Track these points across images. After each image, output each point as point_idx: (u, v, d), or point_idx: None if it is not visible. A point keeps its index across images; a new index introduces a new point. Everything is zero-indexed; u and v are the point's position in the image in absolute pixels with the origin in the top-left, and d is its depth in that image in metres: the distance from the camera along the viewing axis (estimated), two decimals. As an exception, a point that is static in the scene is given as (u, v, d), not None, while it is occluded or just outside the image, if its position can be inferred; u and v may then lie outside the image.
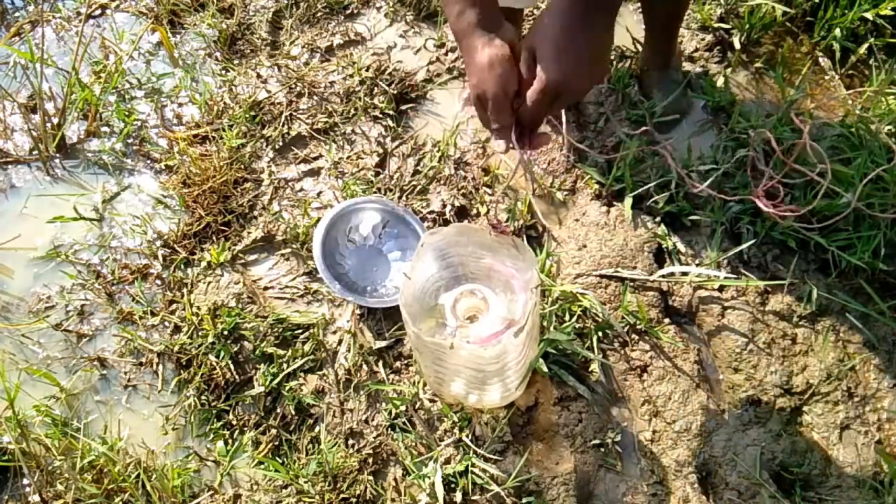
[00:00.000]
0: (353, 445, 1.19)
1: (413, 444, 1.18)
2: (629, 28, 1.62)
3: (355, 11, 1.74)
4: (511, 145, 0.84)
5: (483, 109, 0.84)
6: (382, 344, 1.27)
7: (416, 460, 1.16)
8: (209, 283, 1.36)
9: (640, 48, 1.58)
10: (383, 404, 1.22)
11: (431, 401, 1.21)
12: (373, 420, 1.22)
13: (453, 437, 1.18)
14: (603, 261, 1.32)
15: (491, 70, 0.80)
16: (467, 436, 1.17)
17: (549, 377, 1.21)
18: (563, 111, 0.88)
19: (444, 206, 1.41)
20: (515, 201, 1.40)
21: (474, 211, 1.42)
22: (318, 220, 1.36)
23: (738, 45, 1.59)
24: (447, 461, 1.16)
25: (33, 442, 1.17)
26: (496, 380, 1.05)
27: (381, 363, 1.26)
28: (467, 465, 1.14)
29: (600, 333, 1.25)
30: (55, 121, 1.53)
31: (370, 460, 1.18)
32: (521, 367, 1.07)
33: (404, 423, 1.20)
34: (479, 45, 0.81)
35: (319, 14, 1.72)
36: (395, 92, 1.57)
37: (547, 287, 1.27)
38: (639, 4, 1.70)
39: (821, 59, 1.60)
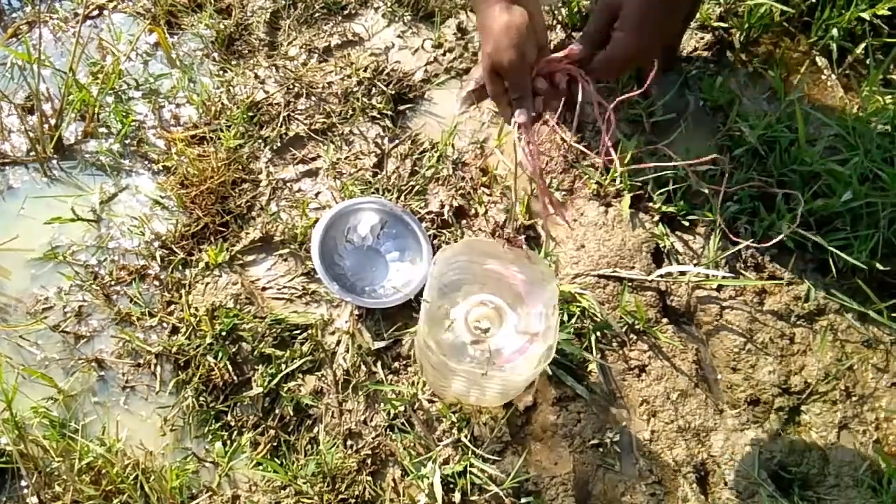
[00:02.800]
0: (351, 446, 1.19)
1: (412, 444, 1.18)
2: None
3: (353, 12, 1.74)
4: (534, 114, 0.80)
5: (498, 82, 0.80)
6: (381, 344, 1.27)
7: (414, 461, 1.16)
8: (207, 283, 1.36)
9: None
10: (382, 405, 1.22)
11: (430, 401, 1.21)
12: (371, 420, 1.22)
13: (452, 437, 1.18)
14: (601, 261, 1.32)
15: (508, 37, 0.76)
16: (466, 436, 1.17)
17: (548, 377, 1.21)
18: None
19: (443, 206, 1.41)
20: (514, 201, 1.40)
21: (472, 211, 1.42)
22: (317, 220, 1.36)
23: (737, 45, 1.60)
24: (446, 461, 1.16)
25: (31, 443, 1.17)
26: (500, 380, 1.05)
27: (379, 364, 1.26)
28: (466, 466, 1.14)
29: (598, 333, 1.25)
30: (52, 122, 1.53)
31: (369, 461, 1.18)
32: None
33: (403, 423, 1.20)
34: (496, 12, 0.78)
35: (317, 14, 1.72)
36: (393, 92, 1.57)
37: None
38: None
39: (818, 59, 1.60)
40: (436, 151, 1.48)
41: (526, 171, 0.96)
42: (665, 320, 1.28)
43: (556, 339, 0.93)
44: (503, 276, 1.01)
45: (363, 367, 1.26)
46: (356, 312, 1.31)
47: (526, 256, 0.97)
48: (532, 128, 0.82)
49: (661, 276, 1.31)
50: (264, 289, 1.36)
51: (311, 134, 1.53)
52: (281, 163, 1.51)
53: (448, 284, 1.02)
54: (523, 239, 0.94)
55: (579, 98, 0.83)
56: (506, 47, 0.77)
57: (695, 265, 1.32)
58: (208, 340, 1.27)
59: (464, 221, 1.42)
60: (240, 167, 1.48)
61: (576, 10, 1.61)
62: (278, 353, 1.27)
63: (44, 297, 1.36)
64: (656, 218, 1.37)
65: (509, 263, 1.00)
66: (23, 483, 1.17)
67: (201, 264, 1.37)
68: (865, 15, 1.53)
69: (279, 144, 1.52)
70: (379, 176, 1.46)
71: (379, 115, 1.54)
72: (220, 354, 1.26)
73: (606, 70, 0.81)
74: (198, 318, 1.29)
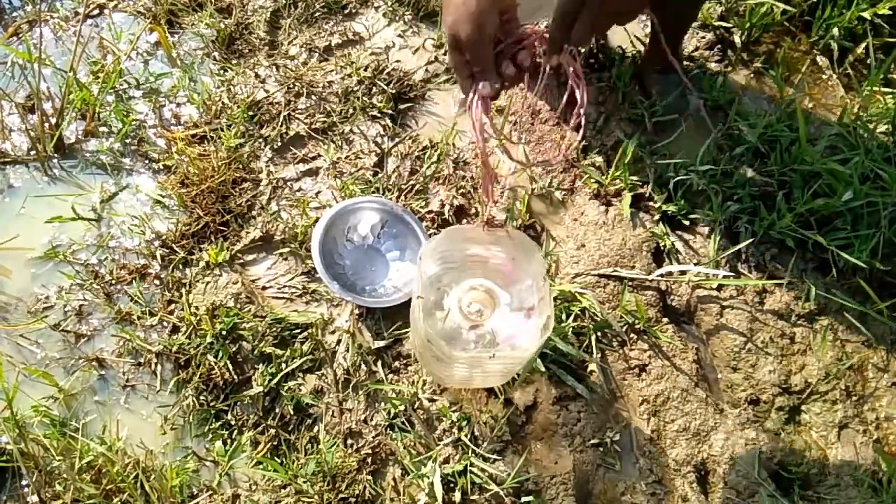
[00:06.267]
0: (351, 445, 1.19)
1: (412, 443, 1.18)
2: (627, 28, 1.62)
3: (353, 11, 1.74)
4: (496, 86, 0.78)
5: (459, 53, 0.78)
6: (381, 344, 1.27)
7: (414, 460, 1.16)
8: (207, 283, 1.36)
9: (641, 48, 1.58)
10: (382, 404, 1.22)
11: (430, 400, 1.21)
12: (371, 420, 1.22)
13: (452, 436, 1.18)
14: (601, 260, 1.32)
15: (466, 9, 0.74)
16: (466, 435, 1.17)
17: (548, 377, 1.21)
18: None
19: (443, 205, 1.41)
20: (514, 200, 1.40)
21: (473, 210, 1.42)
22: (317, 219, 1.36)
23: (738, 44, 1.60)
24: (446, 461, 1.16)
25: (31, 442, 1.17)
26: (507, 359, 1.04)
27: (379, 363, 1.26)
28: (466, 465, 1.14)
29: (599, 333, 1.25)
30: (53, 121, 1.53)
31: (369, 460, 1.18)
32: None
33: (403, 422, 1.20)
34: None
35: (318, 14, 1.72)
36: (394, 91, 1.57)
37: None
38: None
39: (819, 59, 1.60)
40: (436, 150, 1.48)
41: (476, 146, 0.94)
42: (665, 320, 1.28)
43: (552, 308, 0.92)
44: (485, 258, 1.02)
45: (363, 367, 1.26)
46: (356, 312, 1.31)
47: (506, 233, 0.98)
48: (490, 102, 0.81)
49: (662, 275, 1.31)
50: (264, 288, 1.36)
51: (312, 133, 1.53)
52: (281, 162, 1.51)
53: (436, 276, 1.02)
54: (502, 220, 0.93)
55: (543, 75, 0.81)
56: (464, 20, 0.75)
57: (695, 265, 1.32)
58: (209, 339, 1.27)
59: (464, 220, 1.42)
60: (240, 166, 1.48)
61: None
62: (278, 352, 1.27)
63: (44, 296, 1.36)
64: (657, 217, 1.37)
65: (490, 245, 1.00)
66: (23, 482, 1.17)
67: (202, 263, 1.37)
68: (866, 14, 1.53)
69: (280, 143, 1.52)
70: (379, 175, 1.46)
71: (379, 115, 1.54)
72: (221, 353, 1.26)
73: (591, 29, 0.77)
74: (198, 318, 1.29)
